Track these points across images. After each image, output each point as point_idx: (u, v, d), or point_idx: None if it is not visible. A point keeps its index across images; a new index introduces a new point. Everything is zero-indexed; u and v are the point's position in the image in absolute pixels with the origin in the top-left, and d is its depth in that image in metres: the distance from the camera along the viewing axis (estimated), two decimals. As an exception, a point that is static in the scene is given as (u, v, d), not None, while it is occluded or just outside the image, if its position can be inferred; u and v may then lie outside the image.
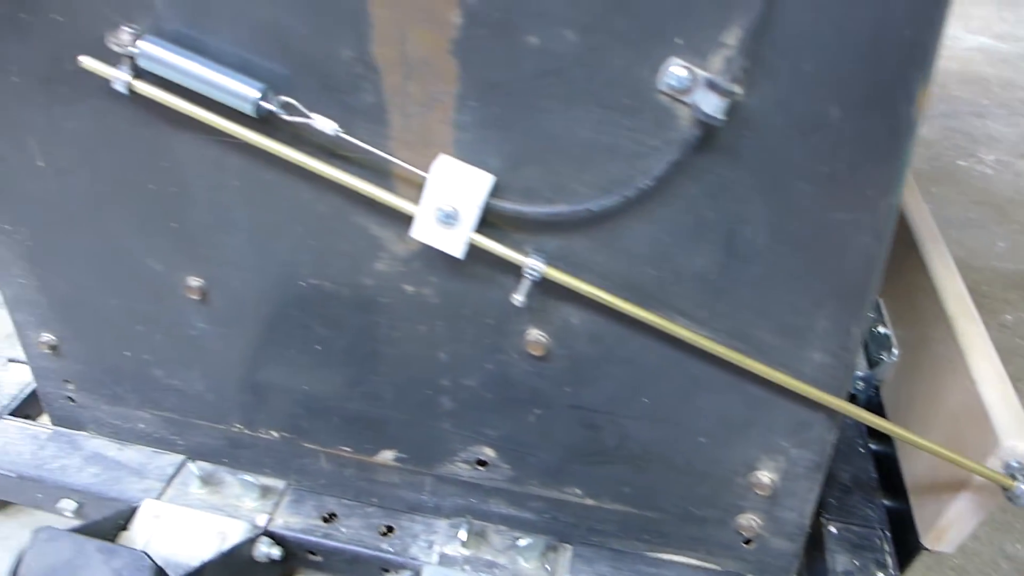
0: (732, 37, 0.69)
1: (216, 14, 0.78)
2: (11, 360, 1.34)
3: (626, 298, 0.84)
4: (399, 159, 0.81)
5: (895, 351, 1.21)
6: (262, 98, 0.78)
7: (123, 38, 0.79)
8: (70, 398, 1.19)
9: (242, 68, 0.80)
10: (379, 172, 0.83)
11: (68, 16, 0.83)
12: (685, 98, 0.72)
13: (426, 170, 0.81)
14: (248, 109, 0.78)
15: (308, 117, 0.79)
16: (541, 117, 0.77)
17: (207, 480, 1.12)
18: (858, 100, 0.70)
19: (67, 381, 1.18)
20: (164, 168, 0.90)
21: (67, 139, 0.92)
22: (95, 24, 0.82)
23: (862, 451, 1.23)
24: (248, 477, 1.11)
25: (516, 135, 0.78)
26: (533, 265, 0.82)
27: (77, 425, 1.22)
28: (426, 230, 0.82)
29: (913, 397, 1.15)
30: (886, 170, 0.74)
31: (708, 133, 0.73)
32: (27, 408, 1.27)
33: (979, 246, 2.17)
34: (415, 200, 0.83)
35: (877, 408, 1.23)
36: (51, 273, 1.05)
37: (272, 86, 0.80)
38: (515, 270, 0.83)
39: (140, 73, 0.81)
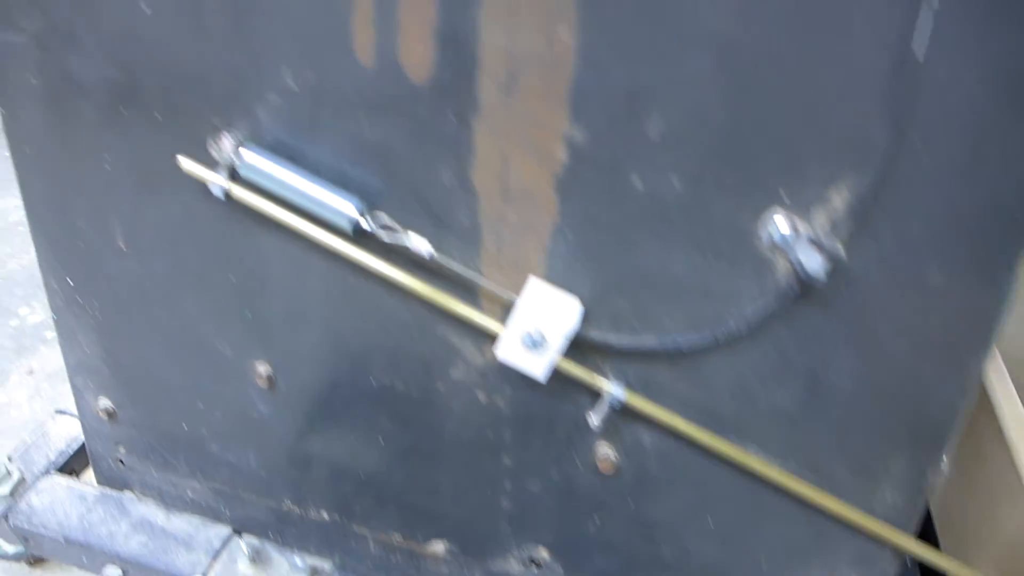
0: (839, 196, 0.69)
1: (321, 129, 0.79)
2: (59, 412, 1.34)
3: (702, 425, 0.84)
4: (488, 277, 0.82)
5: (945, 464, 1.21)
6: (360, 216, 0.79)
7: (224, 146, 0.80)
8: (120, 460, 1.19)
9: (338, 178, 0.81)
10: (467, 287, 0.84)
11: (169, 116, 0.84)
12: (787, 251, 0.73)
13: (513, 289, 0.81)
14: (346, 226, 0.79)
15: (404, 237, 0.79)
16: (637, 253, 0.77)
17: (256, 558, 1.12)
18: (959, 265, 0.71)
19: (119, 444, 1.18)
20: (247, 263, 0.91)
21: (151, 226, 0.93)
22: (195, 126, 0.83)
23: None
24: (297, 558, 1.11)
25: (609, 267, 0.79)
26: (615, 392, 0.82)
27: (123, 485, 1.22)
28: (511, 351, 0.82)
29: (966, 514, 1.15)
30: (979, 332, 0.74)
31: (806, 287, 0.73)
32: (73, 463, 1.28)
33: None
34: (499, 316, 0.83)
35: (924, 516, 1.23)
36: (118, 345, 1.06)
37: (366, 197, 0.81)
38: (593, 390, 0.83)
39: (237, 177, 0.82)
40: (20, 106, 0.89)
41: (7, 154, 0.93)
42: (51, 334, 1.72)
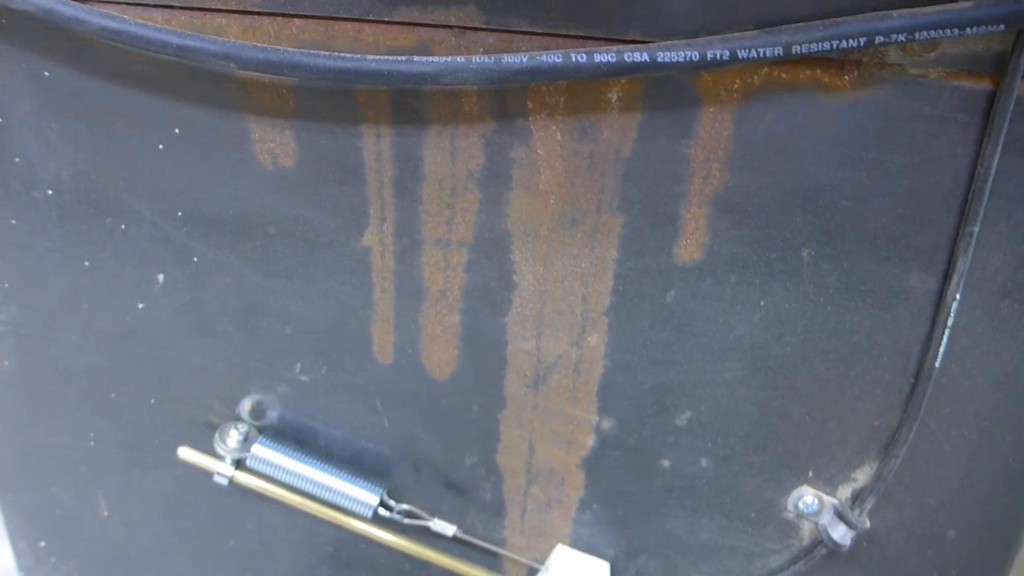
0: (863, 474, 0.72)
1: (334, 416, 0.76)
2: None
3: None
4: (511, 544, 0.81)
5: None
6: (380, 504, 0.76)
7: (230, 440, 0.76)
8: None
9: (354, 457, 0.78)
10: (489, 554, 0.82)
11: (165, 402, 0.79)
12: (813, 520, 0.74)
13: (537, 554, 0.80)
14: (366, 514, 0.76)
15: (428, 521, 0.77)
16: (663, 520, 0.77)
17: None
18: (973, 525, 0.74)
19: None
20: (249, 529, 0.87)
21: (140, 498, 0.87)
22: (195, 411, 0.79)
23: None
24: None
25: (636, 532, 0.79)
26: (645, 647, 0.82)
27: None
28: (540, 619, 0.81)
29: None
30: (994, 577, 0.77)
31: (832, 550, 0.75)
32: None
33: None
34: (523, 578, 0.82)
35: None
36: (96, 601, 0.99)
37: (384, 474, 0.78)
38: (621, 641, 0.83)
39: (242, 465, 0.78)
40: (-11, 387, 0.83)
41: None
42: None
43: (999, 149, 0.56)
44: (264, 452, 0.76)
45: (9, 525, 0.94)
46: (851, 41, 0.51)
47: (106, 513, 0.89)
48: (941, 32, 0.50)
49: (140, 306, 0.74)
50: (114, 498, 0.88)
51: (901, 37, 0.51)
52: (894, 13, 0.51)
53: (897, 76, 0.55)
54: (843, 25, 0.51)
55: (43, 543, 0.94)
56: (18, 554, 0.97)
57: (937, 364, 0.65)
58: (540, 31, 0.56)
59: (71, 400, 0.81)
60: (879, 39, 0.51)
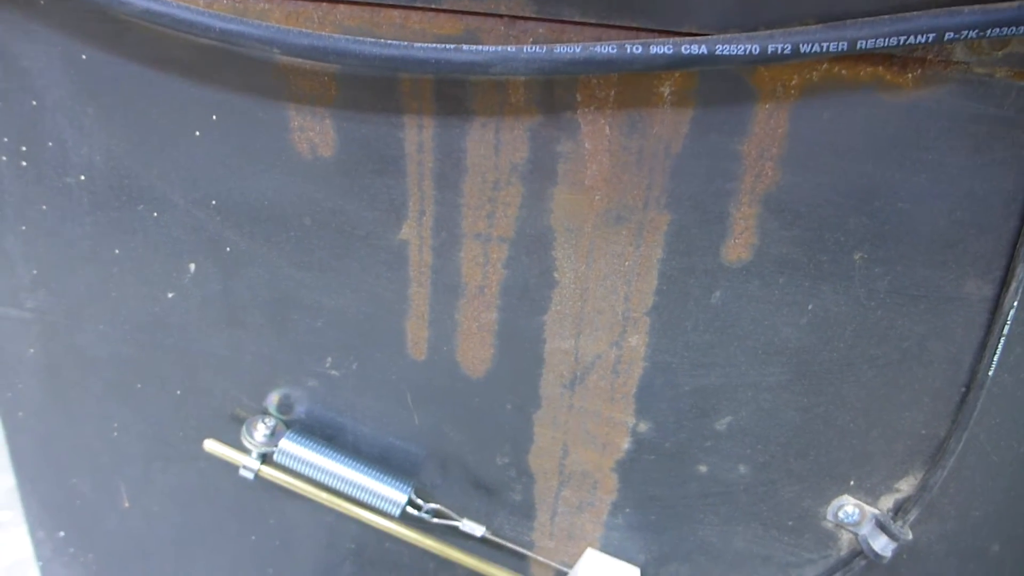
0: (907, 484, 0.70)
1: (364, 411, 0.75)
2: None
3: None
4: (539, 546, 0.79)
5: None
6: (408, 502, 0.75)
7: (257, 434, 0.75)
8: None
9: (382, 454, 0.77)
10: (517, 556, 0.81)
11: (192, 393, 0.78)
12: (853, 531, 0.73)
13: (566, 557, 0.79)
14: (394, 512, 0.75)
15: (457, 521, 0.76)
16: (697, 527, 0.76)
17: None
18: (1018, 539, 0.72)
19: None
20: (272, 525, 0.85)
21: (161, 490, 0.86)
22: (221, 404, 0.78)
23: None
24: None
25: (668, 538, 0.77)
26: (674, 656, 0.80)
27: None
28: (567, 624, 0.79)
29: None
30: (1036, 593, 0.75)
31: (871, 561, 0.73)
32: None
33: None
34: (550, 581, 0.80)
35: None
36: (113, 593, 0.98)
37: (412, 472, 0.77)
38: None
39: (269, 460, 0.77)
40: (14, 374, 0.82)
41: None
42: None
43: (1066, 152, 0.54)
44: (292, 447, 0.74)
45: (29, 514, 0.93)
46: (919, 37, 0.49)
47: (127, 504, 0.88)
48: (1015, 29, 0.48)
49: (170, 295, 0.73)
50: (136, 490, 0.87)
51: (972, 34, 0.49)
52: (965, 9, 0.49)
53: (962, 75, 0.53)
54: (912, 20, 0.49)
55: (62, 533, 0.93)
56: (36, 544, 0.96)
57: (991, 373, 0.63)
58: (592, 22, 0.55)
59: (95, 389, 0.80)
60: (949, 35, 0.49)
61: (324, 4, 0.58)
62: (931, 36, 0.49)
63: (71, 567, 0.96)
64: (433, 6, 0.56)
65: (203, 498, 0.85)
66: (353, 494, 0.75)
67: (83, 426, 0.83)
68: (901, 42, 0.50)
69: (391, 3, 0.57)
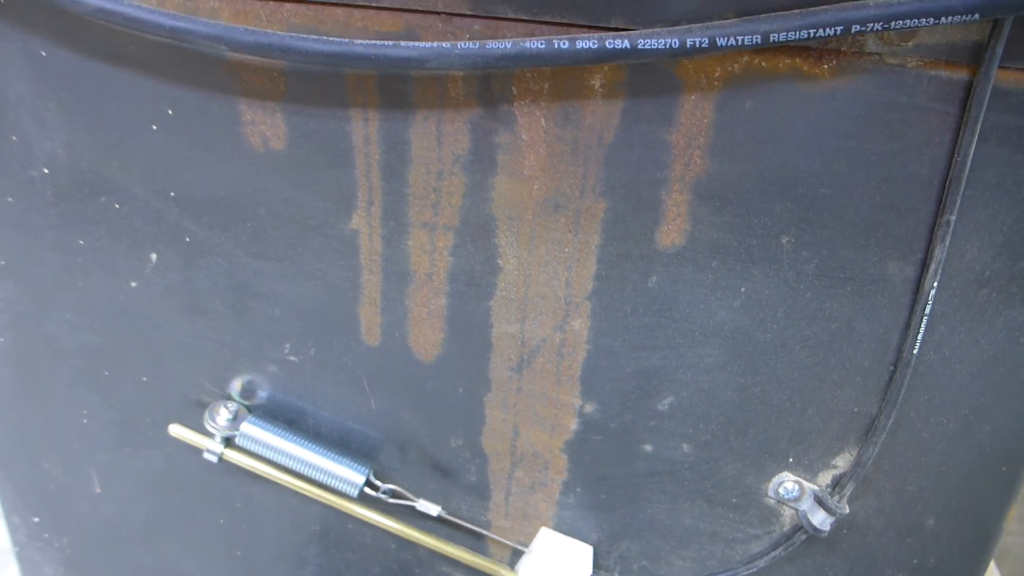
0: (843, 461, 0.73)
1: (323, 396, 0.78)
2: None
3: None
4: (495, 525, 0.82)
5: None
6: (366, 483, 0.77)
7: (220, 418, 0.78)
8: None
9: (341, 437, 0.79)
10: (474, 535, 0.83)
11: (157, 379, 0.80)
12: (793, 506, 0.75)
13: (521, 535, 0.82)
14: (352, 493, 0.77)
15: (413, 502, 0.78)
16: (646, 505, 0.78)
17: None
18: (952, 513, 0.75)
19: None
20: (238, 507, 0.88)
21: (131, 475, 0.88)
22: (185, 389, 0.80)
23: None
24: None
25: (618, 516, 0.80)
26: (627, 630, 0.83)
27: None
28: (523, 600, 0.82)
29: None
30: (970, 568, 0.78)
31: (811, 535, 0.76)
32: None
33: None
34: (507, 560, 0.83)
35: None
36: (89, 578, 1.00)
37: (371, 455, 0.79)
38: (603, 624, 0.84)
39: (232, 443, 0.80)
40: (-15, 364, 0.84)
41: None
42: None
43: (976, 138, 0.56)
44: (253, 431, 0.77)
45: (4, 501, 0.96)
46: (828, 30, 0.52)
47: (98, 490, 0.91)
48: (917, 21, 0.51)
49: (133, 285, 0.75)
50: (106, 475, 0.89)
51: (878, 26, 0.52)
52: (870, 2, 0.51)
53: (875, 65, 0.56)
54: (820, 14, 0.52)
55: (36, 519, 0.95)
56: (12, 529, 0.98)
57: (915, 352, 0.65)
58: (525, 18, 0.57)
59: (64, 377, 0.82)
60: (855, 28, 0.52)
61: (271, 2, 0.60)
62: (839, 29, 0.52)
63: (46, 552, 0.98)
64: (374, 4, 0.59)
65: (172, 483, 0.88)
66: (313, 476, 0.77)
67: (54, 413, 0.86)
68: (812, 35, 0.53)
69: (335, 1, 0.59)
